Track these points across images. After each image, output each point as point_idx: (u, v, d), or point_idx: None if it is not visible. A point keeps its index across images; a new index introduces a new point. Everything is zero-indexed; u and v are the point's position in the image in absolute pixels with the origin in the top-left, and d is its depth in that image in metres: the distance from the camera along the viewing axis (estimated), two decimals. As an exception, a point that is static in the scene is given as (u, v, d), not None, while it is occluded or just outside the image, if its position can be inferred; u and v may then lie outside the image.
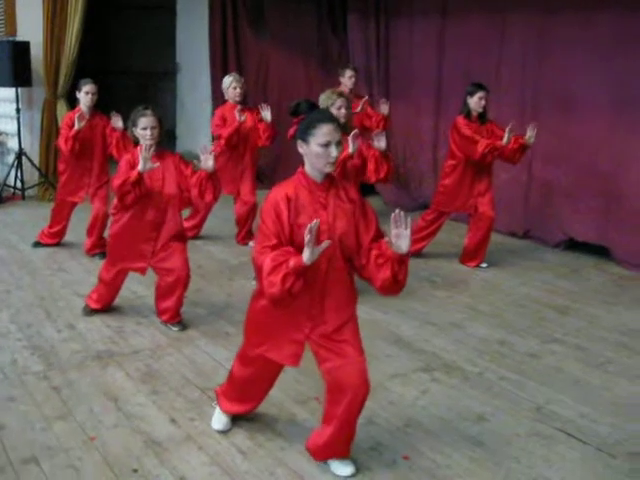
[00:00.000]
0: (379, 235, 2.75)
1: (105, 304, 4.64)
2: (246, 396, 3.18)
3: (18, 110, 7.80)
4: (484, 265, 5.83)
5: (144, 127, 4.16)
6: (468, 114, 5.60)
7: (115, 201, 4.25)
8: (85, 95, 5.67)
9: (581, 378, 3.89)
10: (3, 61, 7.61)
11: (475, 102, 5.56)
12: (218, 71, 9.38)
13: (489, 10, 6.97)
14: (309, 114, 2.75)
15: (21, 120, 7.86)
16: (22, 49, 7.63)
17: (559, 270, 5.89)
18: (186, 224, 6.21)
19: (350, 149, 4.68)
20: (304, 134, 2.68)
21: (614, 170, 6.10)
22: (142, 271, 4.44)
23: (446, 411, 3.48)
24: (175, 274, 4.30)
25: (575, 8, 6.18)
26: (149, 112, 4.21)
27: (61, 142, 5.69)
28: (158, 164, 4.10)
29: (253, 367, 3.04)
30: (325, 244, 2.55)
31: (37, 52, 7.71)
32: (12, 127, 8.02)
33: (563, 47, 6.36)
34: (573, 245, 6.44)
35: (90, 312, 4.62)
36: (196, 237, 6.40)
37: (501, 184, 6.80)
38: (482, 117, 5.62)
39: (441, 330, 4.52)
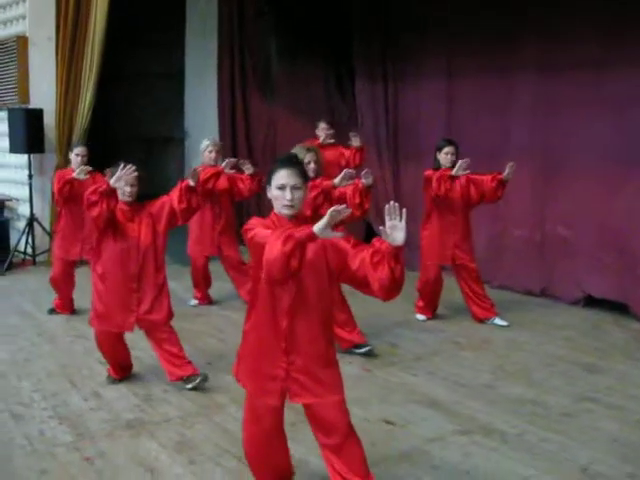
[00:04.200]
0: (359, 242, 2.73)
1: (123, 373, 4.58)
2: (271, 470, 3.11)
3: (30, 176, 7.86)
4: (505, 323, 5.78)
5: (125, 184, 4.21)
6: (438, 168, 5.65)
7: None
8: (76, 157, 6.03)
9: (620, 436, 3.82)
10: (17, 128, 7.75)
11: (443, 157, 5.65)
12: (227, 137, 9.51)
13: (494, 70, 7.07)
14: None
15: (33, 186, 7.91)
16: (35, 117, 7.74)
17: (580, 327, 5.85)
18: (197, 294, 6.45)
19: (336, 180, 4.81)
20: (268, 178, 2.81)
21: (627, 226, 6.13)
22: (129, 327, 4.34)
23: (490, 475, 3.40)
24: (160, 325, 4.36)
25: (583, 68, 6.28)
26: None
27: (54, 186, 5.96)
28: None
29: (259, 422, 2.98)
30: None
31: (50, 119, 7.83)
32: (24, 193, 8.06)
33: (572, 106, 6.43)
34: (591, 302, 6.41)
35: (114, 381, 4.55)
36: (210, 303, 6.44)
37: (515, 242, 6.83)
38: None
39: (473, 391, 4.46)
